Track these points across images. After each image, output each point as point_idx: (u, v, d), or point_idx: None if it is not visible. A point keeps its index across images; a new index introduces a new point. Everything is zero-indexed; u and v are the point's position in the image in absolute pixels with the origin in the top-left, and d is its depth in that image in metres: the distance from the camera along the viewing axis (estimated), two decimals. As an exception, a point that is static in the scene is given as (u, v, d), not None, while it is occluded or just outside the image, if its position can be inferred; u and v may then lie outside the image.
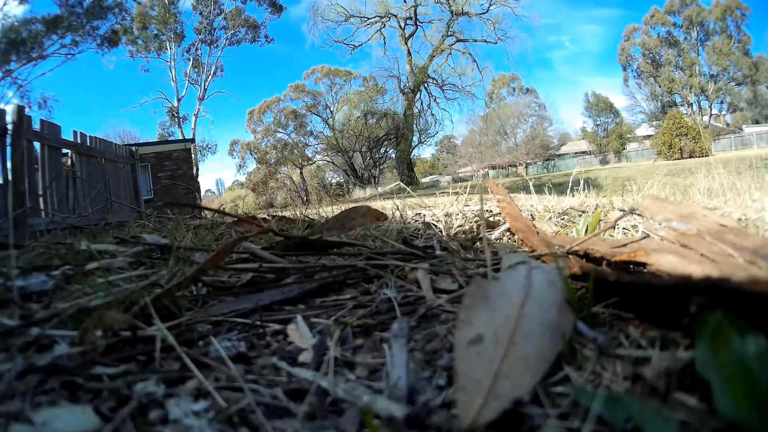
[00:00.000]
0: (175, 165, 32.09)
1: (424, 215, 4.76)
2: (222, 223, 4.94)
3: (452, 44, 44.32)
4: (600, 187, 26.94)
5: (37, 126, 9.94)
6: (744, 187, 8.05)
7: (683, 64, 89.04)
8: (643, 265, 1.56)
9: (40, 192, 9.76)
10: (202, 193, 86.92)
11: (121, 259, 2.46)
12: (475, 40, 44.45)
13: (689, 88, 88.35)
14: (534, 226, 2.62)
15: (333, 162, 67.38)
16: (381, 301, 1.72)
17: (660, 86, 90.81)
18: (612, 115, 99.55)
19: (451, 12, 41.91)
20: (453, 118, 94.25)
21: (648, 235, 2.00)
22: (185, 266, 2.09)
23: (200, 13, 58.49)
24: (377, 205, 13.75)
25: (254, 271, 2.10)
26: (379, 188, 51.68)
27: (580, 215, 3.71)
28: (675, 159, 59.80)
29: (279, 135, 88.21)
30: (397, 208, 4.72)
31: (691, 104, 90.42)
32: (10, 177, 8.88)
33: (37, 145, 9.87)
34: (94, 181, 11.99)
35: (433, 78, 43.92)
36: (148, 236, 3.00)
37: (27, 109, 9.90)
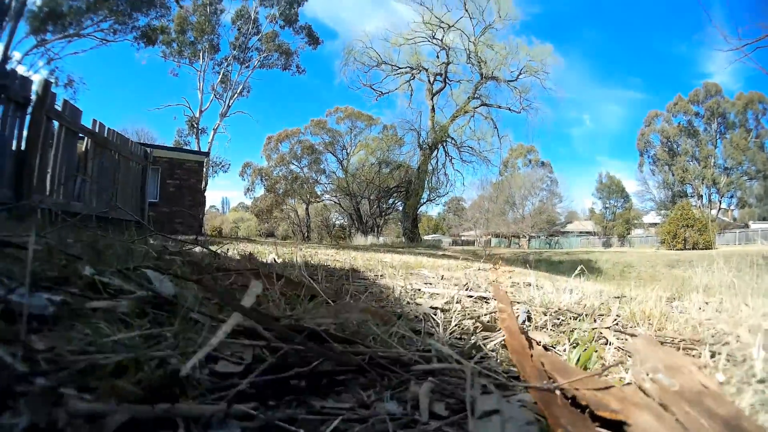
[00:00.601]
0: (185, 175, 32.19)
1: (423, 293, 4.71)
2: (228, 270, 4.77)
3: (477, 107, 44.35)
4: (600, 271, 26.89)
5: (59, 106, 10.00)
6: (741, 287, 8.11)
7: (699, 155, 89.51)
8: (625, 423, 1.60)
9: (49, 170, 9.82)
10: (207, 207, 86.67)
11: (125, 303, 2.44)
12: (500, 107, 44.46)
13: (702, 179, 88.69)
14: (529, 340, 2.64)
15: (340, 204, 67.76)
16: (378, 421, 1.71)
17: (673, 174, 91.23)
18: (622, 200, 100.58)
19: (481, 75, 42.33)
20: (465, 180, 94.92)
21: (633, 383, 2.10)
22: (192, 332, 2.09)
23: (238, 29, 59.09)
24: (379, 256, 13.74)
25: (255, 359, 2.08)
26: (381, 238, 51.62)
27: (576, 318, 3.72)
28: (678, 249, 58.17)
29: (292, 167, 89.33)
30: (402, 289, 4.67)
31: (701, 196, 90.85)
32: (23, 147, 8.97)
33: (55, 124, 9.96)
34: (104, 173, 12.02)
35: (452, 138, 44.01)
36: (153, 276, 2.94)
37: (53, 85, 9.97)
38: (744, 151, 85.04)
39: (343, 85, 75.04)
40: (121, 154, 12.82)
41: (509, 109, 44.09)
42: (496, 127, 44.20)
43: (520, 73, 42.10)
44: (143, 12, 50.97)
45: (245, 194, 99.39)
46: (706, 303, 4.99)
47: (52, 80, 39.69)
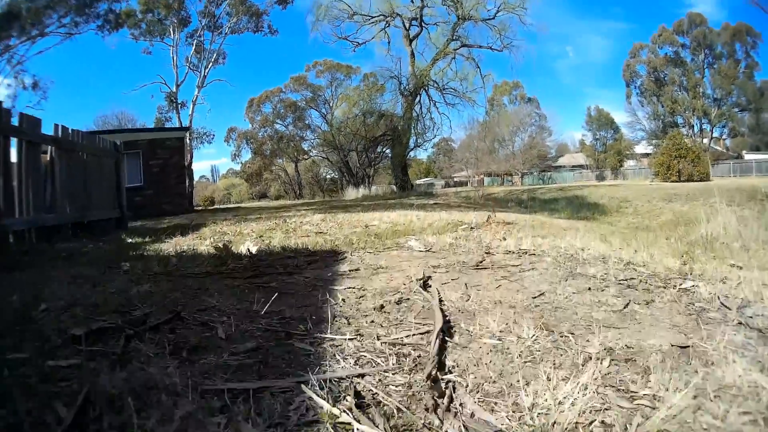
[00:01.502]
0: (167, 154, 31.22)
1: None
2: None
3: (457, 48, 42.67)
4: (597, 207, 26.28)
5: (15, 121, 9.49)
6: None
7: (687, 85, 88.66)
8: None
9: (15, 189, 9.38)
10: (196, 178, 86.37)
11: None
12: (480, 46, 42.69)
13: (692, 110, 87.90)
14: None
15: (328, 159, 65.74)
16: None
17: (663, 106, 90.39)
18: (612, 131, 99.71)
19: (458, 15, 40.57)
20: (452, 123, 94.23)
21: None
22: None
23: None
24: (366, 217, 13.17)
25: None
26: (373, 188, 50.81)
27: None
28: (672, 181, 57.59)
29: (277, 126, 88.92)
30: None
31: (693, 126, 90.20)
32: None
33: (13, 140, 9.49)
34: (74, 177, 11.49)
35: (435, 81, 42.20)
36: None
37: (21, 89, 9.45)
38: (733, 80, 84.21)
39: (318, 41, 73.88)
40: (89, 154, 12.24)
41: (490, 48, 42.54)
42: (478, 67, 42.76)
43: (498, 11, 40.88)
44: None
45: (232, 160, 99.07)
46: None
47: (17, 84, 40.22)
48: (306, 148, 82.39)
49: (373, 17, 42.14)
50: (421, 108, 43.71)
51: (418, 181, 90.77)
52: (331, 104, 78.31)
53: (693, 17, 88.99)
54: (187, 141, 54.90)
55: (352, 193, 48.80)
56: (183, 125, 53.63)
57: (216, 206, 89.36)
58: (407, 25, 42.66)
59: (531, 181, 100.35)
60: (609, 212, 28.39)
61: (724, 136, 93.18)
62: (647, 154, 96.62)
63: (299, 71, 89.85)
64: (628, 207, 30.41)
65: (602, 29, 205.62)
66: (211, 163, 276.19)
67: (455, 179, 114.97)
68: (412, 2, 42.29)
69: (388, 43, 43.69)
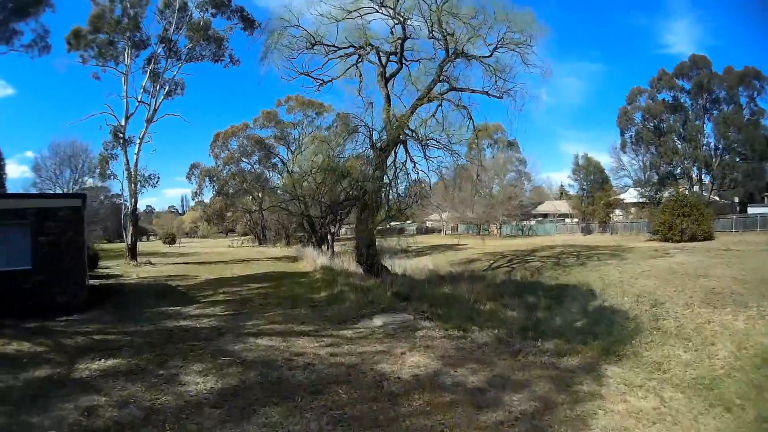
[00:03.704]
0: (59, 228, 22.94)
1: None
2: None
3: (444, 92, 34.46)
4: (619, 320, 17.65)
5: None
6: None
7: (687, 134, 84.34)
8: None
9: None
10: (165, 208, 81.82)
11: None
12: (474, 91, 34.77)
13: (693, 160, 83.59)
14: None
15: (288, 209, 55.48)
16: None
17: (661, 157, 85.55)
18: (600, 181, 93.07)
19: (447, 51, 32.86)
20: (429, 173, 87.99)
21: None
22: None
23: (168, 21, 50.80)
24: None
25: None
26: (336, 257, 44.52)
27: None
28: (675, 241, 54.98)
29: (243, 164, 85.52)
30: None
31: (691, 177, 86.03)
32: None
33: None
34: None
35: (414, 132, 34.18)
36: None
37: None
38: (740, 129, 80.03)
39: (275, 76, 65.58)
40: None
41: (486, 94, 34.42)
42: (470, 118, 34.62)
43: (497, 47, 33.11)
44: (23, 19, 42.28)
45: (193, 198, 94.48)
46: None
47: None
48: (272, 189, 75.93)
49: (340, 48, 33.70)
50: (395, 165, 34.81)
51: (391, 224, 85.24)
52: (299, 143, 72.22)
53: (696, 60, 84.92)
54: (127, 187, 49.99)
55: (310, 257, 43.55)
56: (129, 165, 48.51)
57: (171, 248, 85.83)
58: (384, 61, 34.48)
59: (509, 231, 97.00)
60: (642, 334, 20.58)
61: (724, 188, 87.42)
62: (636, 204, 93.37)
63: (271, 106, 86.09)
64: (665, 318, 22.47)
65: (578, 71, 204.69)
66: (182, 192, 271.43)
67: (428, 224, 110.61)
68: (392, 33, 34.23)
69: (360, 82, 34.98)
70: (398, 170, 34.89)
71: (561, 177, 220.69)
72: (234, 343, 15.84)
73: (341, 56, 34.16)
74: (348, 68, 34.64)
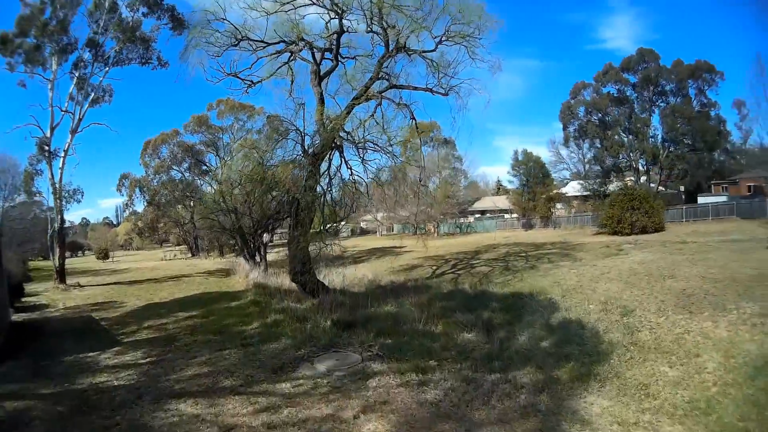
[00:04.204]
0: None
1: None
2: None
3: (384, 90, 31.51)
4: (591, 344, 14.92)
5: None
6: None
7: (634, 127, 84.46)
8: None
9: None
10: (99, 220, 78.42)
11: None
12: (416, 88, 31.97)
13: (640, 152, 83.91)
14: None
15: (219, 222, 51.11)
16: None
17: (606, 150, 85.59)
18: (541, 176, 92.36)
19: (387, 46, 30.38)
20: (367, 180, 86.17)
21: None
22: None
23: (97, 23, 47.21)
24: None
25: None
26: (271, 256, 40.89)
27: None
28: (625, 234, 54.62)
29: (173, 173, 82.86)
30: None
31: (637, 169, 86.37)
32: None
33: None
34: None
35: (350, 135, 31.04)
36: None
37: None
38: (690, 120, 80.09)
39: (200, 77, 61.74)
40: None
41: (430, 91, 31.61)
42: (413, 118, 32.18)
43: (441, 41, 30.46)
44: None
45: (123, 211, 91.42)
46: None
47: None
48: (200, 199, 72.60)
49: (269, 44, 30.47)
50: (330, 176, 31.57)
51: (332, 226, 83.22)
52: (230, 149, 69.55)
53: (644, 53, 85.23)
54: (54, 203, 46.64)
55: (242, 271, 41.64)
56: (55, 179, 45.05)
57: (105, 264, 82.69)
58: (318, 58, 31.50)
59: (447, 229, 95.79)
60: (619, 350, 17.98)
61: (672, 179, 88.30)
62: (578, 197, 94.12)
63: (202, 110, 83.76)
64: (639, 329, 19.97)
65: (512, 66, 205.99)
66: (116, 202, 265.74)
67: (362, 225, 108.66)
68: (327, 28, 31.19)
69: (291, 82, 31.70)
70: (333, 177, 31.94)
71: (496, 171, 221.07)
72: (153, 411, 13.19)
73: (272, 54, 30.93)
74: (279, 67, 31.42)
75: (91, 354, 19.28)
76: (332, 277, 36.69)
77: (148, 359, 18.28)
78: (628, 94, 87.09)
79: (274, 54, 30.90)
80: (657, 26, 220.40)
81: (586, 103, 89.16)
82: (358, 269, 44.59)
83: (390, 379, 14.97)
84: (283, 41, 30.19)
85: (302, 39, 30.08)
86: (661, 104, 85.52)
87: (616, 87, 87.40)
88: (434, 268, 43.80)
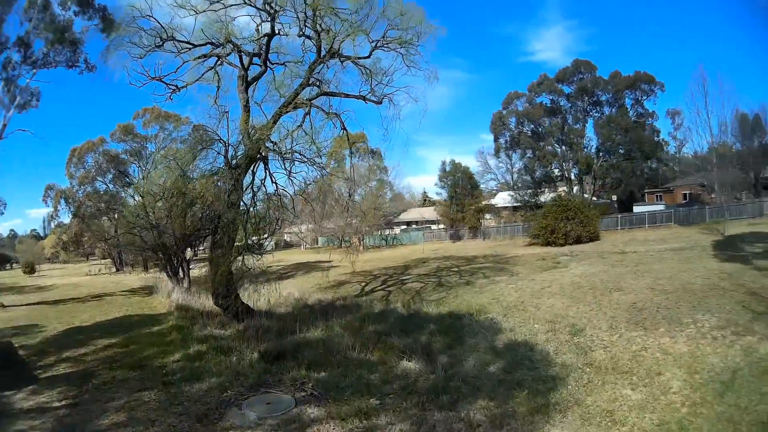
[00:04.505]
0: None
1: None
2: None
3: (314, 98, 29.55)
4: (544, 371, 13.47)
5: None
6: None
7: (568, 137, 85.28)
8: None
9: None
10: (27, 232, 75.75)
11: None
12: (348, 95, 30.23)
13: (573, 162, 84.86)
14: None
15: (141, 236, 48.37)
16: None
17: (539, 160, 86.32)
18: (470, 186, 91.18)
19: (319, 50, 28.63)
20: (294, 195, 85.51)
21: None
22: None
23: (29, 20, 44.29)
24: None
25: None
26: (195, 270, 41.80)
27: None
28: (559, 245, 54.09)
29: (98, 184, 79.99)
30: None
31: (570, 179, 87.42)
32: None
33: None
34: None
35: (276, 145, 28.71)
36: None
37: None
38: (626, 130, 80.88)
39: (124, 81, 58.97)
40: None
41: (364, 99, 30.10)
42: (344, 128, 30.49)
43: (377, 47, 29.09)
44: None
45: (48, 223, 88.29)
46: None
47: None
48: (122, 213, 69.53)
49: (196, 46, 28.24)
50: (254, 192, 29.39)
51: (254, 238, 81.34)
52: (154, 160, 66.64)
53: (580, 65, 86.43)
54: None
55: (164, 290, 39.44)
56: None
57: (31, 279, 79.49)
58: (246, 63, 29.45)
59: (373, 242, 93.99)
60: (575, 373, 16.75)
61: (606, 188, 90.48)
62: (507, 207, 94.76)
63: (129, 119, 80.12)
64: (593, 348, 18.75)
65: (441, 78, 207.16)
66: (44, 212, 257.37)
67: (286, 237, 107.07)
68: (258, 31, 29.17)
69: (218, 88, 29.38)
70: (256, 192, 29.69)
71: (421, 182, 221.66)
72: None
73: (198, 58, 28.49)
74: (205, 72, 29.15)
75: (6, 393, 16.90)
76: (257, 297, 34.73)
77: (64, 402, 15.58)
78: (562, 104, 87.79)
79: (201, 58, 28.47)
80: (591, 39, 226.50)
81: (519, 114, 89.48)
82: (284, 286, 42.57)
83: (330, 428, 13.12)
84: (211, 43, 27.93)
85: (230, 41, 27.88)
86: (596, 114, 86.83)
87: (550, 97, 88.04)
88: (363, 284, 42.13)
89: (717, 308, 20.44)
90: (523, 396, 14.64)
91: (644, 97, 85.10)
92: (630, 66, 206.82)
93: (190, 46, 28.06)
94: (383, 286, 40.55)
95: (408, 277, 43.61)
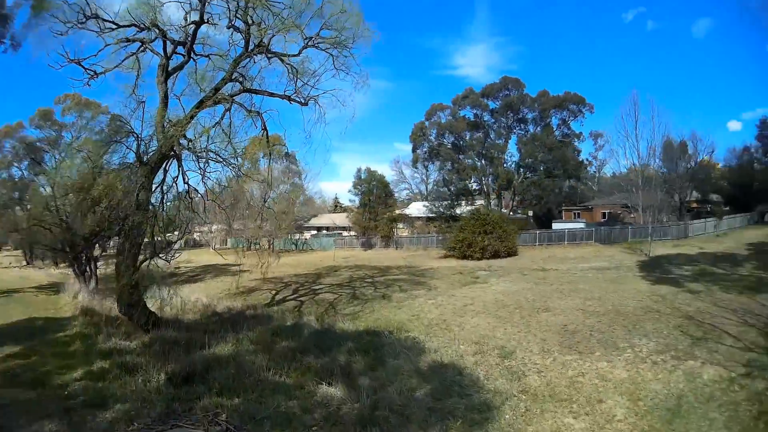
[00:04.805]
0: None
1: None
2: None
3: (236, 94, 27.72)
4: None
5: None
6: None
7: (487, 152, 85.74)
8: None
9: None
10: None
11: None
12: (272, 94, 28.56)
13: (494, 176, 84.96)
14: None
15: (50, 230, 44.80)
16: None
17: (458, 173, 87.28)
18: (384, 195, 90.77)
19: (247, 43, 26.69)
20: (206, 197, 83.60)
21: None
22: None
23: None
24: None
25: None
26: (104, 266, 40.49)
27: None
28: (476, 258, 54.09)
29: (14, 170, 77.07)
30: None
31: (488, 193, 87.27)
32: None
33: None
34: None
35: (191, 143, 26.60)
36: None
37: None
38: (551, 149, 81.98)
39: (42, 62, 55.50)
40: None
41: (289, 99, 28.32)
42: (265, 128, 28.78)
43: (307, 45, 27.33)
44: None
45: None
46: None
47: None
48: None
49: (120, 27, 25.60)
50: (164, 192, 27.30)
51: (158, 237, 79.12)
52: (69, 151, 63.83)
53: (508, 81, 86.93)
54: None
55: (71, 290, 36.79)
56: None
57: None
58: (170, 51, 27.14)
59: (283, 246, 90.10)
60: (510, 401, 15.57)
61: (525, 204, 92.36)
62: (421, 218, 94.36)
63: (49, 104, 76.33)
64: (526, 373, 17.57)
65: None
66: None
67: (195, 236, 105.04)
68: (186, 18, 26.88)
69: (137, 77, 27.08)
70: (166, 192, 27.50)
71: (333, 187, 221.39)
72: None
73: (121, 41, 26.14)
74: (126, 57, 26.66)
75: None
76: (166, 303, 31.59)
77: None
78: (486, 119, 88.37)
79: (124, 41, 26.08)
80: (517, 57, 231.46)
81: (441, 126, 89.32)
82: (192, 290, 40.56)
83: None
84: (136, 25, 25.54)
85: (156, 25, 25.76)
86: (520, 132, 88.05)
87: (474, 111, 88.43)
88: (274, 292, 40.14)
89: (654, 332, 20.40)
90: (459, 427, 13.56)
91: (571, 118, 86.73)
92: (560, 87, 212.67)
93: (114, 26, 25.44)
94: (295, 295, 38.75)
95: (320, 286, 42.07)
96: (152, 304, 28.87)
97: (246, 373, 17.86)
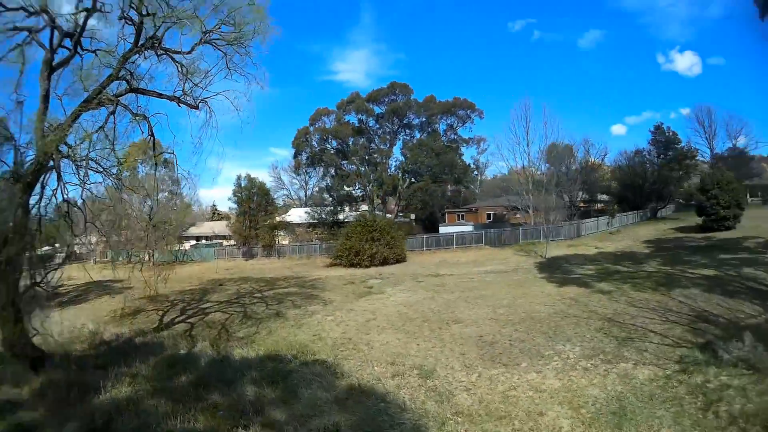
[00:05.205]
0: None
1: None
2: None
3: (121, 94, 25.11)
4: None
5: None
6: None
7: (372, 158, 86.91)
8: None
9: None
10: None
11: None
12: (161, 95, 26.37)
13: (379, 182, 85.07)
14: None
15: None
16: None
17: (343, 179, 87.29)
18: (265, 203, 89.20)
19: (138, 37, 24.35)
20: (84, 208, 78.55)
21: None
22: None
23: None
24: None
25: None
26: None
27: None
28: (365, 266, 53.51)
29: None
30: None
31: (373, 199, 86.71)
32: None
33: None
34: None
35: (72, 150, 23.56)
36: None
37: None
38: (438, 154, 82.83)
39: None
40: None
41: (178, 101, 26.17)
42: (152, 134, 26.77)
43: (202, 41, 25.23)
44: None
45: None
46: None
47: None
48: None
49: (8, 9, 22.44)
50: (40, 205, 24.49)
51: (43, 249, 73.70)
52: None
53: (396, 87, 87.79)
54: None
55: None
56: None
57: None
58: (56, 43, 23.76)
59: (164, 258, 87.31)
60: (446, 425, 14.18)
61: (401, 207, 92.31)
62: (302, 224, 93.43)
63: None
64: (453, 393, 15.97)
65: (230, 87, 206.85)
66: None
67: (76, 249, 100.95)
68: (77, 7, 23.85)
69: (21, 73, 23.91)
70: (44, 214, 24.24)
71: (210, 194, 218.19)
72: None
73: (8, 30, 23.54)
74: (11, 50, 22.89)
75: None
76: (50, 330, 27.83)
77: None
78: (371, 125, 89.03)
79: (10, 30, 23.67)
80: (399, 64, 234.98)
81: (326, 131, 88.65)
82: (77, 313, 38.37)
83: None
84: (25, 9, 22.63)
85: (46, 11, 23.26)
86: (405, 137, 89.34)
87: (359, 117, 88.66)
88: (161, 313, 37.28)
89: (576, 337, 20.25)
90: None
91: (460, 124, 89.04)
92: (450, 93, 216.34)
93: (2, 8, 22.89)
94: (183, 316, 35.81)
95: (209, 304, 39.55)
96: (38, 329, 25.24)
97: (152, 426, 15.11)
